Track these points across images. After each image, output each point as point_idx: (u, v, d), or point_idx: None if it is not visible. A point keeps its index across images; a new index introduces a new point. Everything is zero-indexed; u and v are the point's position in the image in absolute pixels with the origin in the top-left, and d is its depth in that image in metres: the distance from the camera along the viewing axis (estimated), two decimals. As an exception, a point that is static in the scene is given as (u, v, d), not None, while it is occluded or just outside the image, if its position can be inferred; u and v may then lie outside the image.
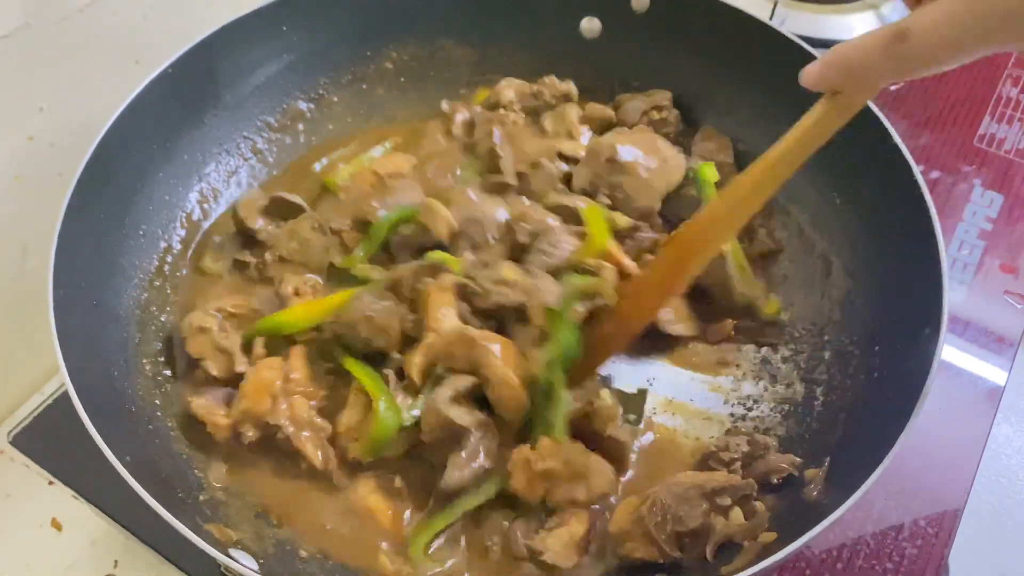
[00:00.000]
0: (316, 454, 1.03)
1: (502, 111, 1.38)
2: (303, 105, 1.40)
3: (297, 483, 1.05)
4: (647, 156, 1.28)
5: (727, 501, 0.94)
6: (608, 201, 1.26)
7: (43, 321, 0.96)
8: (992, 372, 1.25)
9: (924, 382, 0.93)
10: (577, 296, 1.07)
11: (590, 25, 1.42)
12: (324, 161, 1.38)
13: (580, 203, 1.24)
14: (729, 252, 1.19)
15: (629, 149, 1.27)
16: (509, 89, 1.39)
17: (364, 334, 1.06)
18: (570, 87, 1.40)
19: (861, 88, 0.82)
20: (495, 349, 1.01)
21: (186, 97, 1.25)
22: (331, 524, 1.02)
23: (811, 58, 1.23)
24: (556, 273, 1.13)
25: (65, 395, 0.91)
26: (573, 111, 1.40)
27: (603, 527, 1.00)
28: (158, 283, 1.20)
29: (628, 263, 1.16)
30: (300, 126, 1.41)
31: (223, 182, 1.32)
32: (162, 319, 1.18)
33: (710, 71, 1.36)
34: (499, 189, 1.28)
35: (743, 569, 0.85)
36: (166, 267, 1.22)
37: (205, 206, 1.30)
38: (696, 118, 1.40)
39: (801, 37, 1.25)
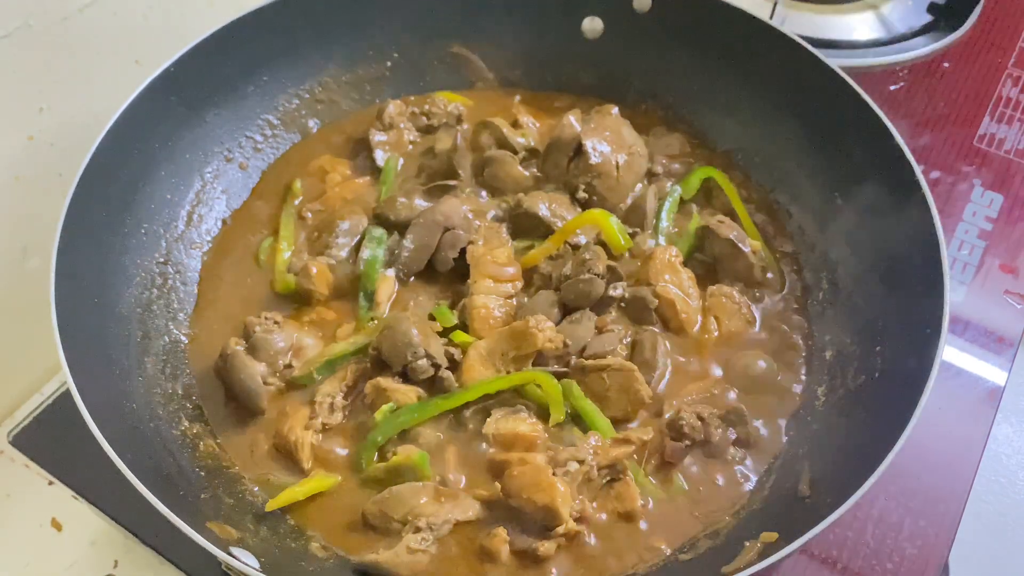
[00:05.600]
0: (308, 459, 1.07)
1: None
2: (305, 104, 1.41)
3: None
4: (615, 151, 1.28)
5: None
6: (585, 196, 1.28)
7: (43, 321, 0.96)
8: (992, 372, 1.25)
9: (925, 382, 0.93)
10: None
11: (592, 25, 1.42)
12: (324, 158, 1.39)
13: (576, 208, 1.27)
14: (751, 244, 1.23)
15: (596, 143, 1.27)
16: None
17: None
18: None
19: None
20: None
21: (187, 96, 1.25)
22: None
23: (811, 58, 1.24)
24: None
25: (65, 395, 0.91)
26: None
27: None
28: (160, 281, 1.20)
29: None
30: (301, 125, 1.41)
31: (225, 180, 1.32)
32: (164, 318, 1.18)
33: (711, 70, 1.36)
34: (443, 191, 1.29)
35: (743, 569, 0.85)
36: (168, 265, 1.22)
37: (207, 204, 1.30)
38: (697, 118, 1.40)
39: (801, 37, 1.25)
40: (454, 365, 1.11)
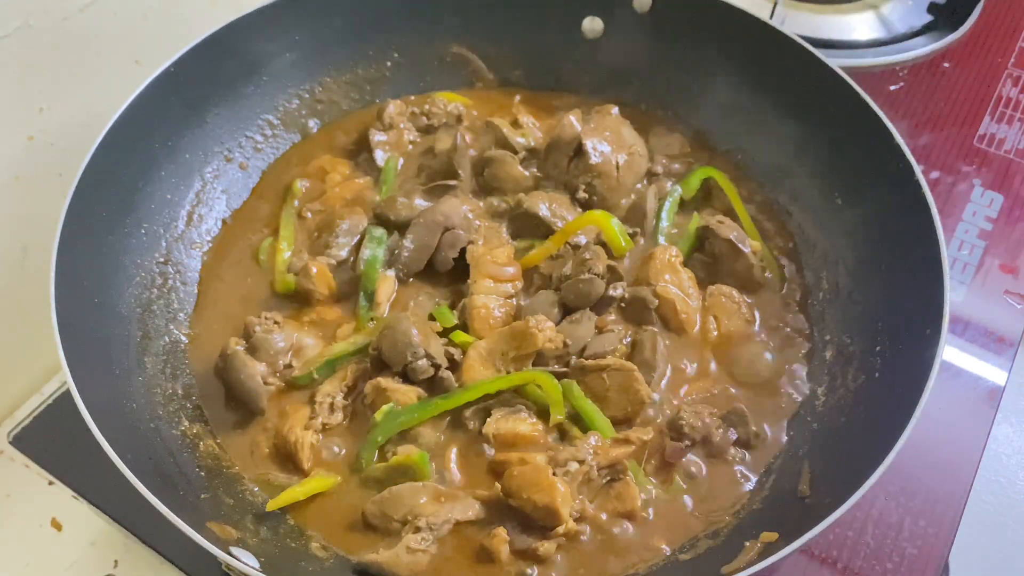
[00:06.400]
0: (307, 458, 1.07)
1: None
2: (305, 104, 1.41)
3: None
4: (615, 151, 1.28)
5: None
6: (585, 196, 1.28)
7: (43, 321, 0.96)
8: (992, 372, 1.25)
9: (925, 382, 0.93)
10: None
11: (592, 25, 1.42)
12: (324, 158, 1.39)
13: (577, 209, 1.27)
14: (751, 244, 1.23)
15: (596, 143, 1.27)
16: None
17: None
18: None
19: None
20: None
21: (188, 96, 1.25)
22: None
23: (811, 58, 1.24)
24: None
25: (65, 395, 0.91)
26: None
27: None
28: (160, 281, 1.20)
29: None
30: (301, 125, 1.41)
31: (225, 180, 1.32)
32: (164, 318, 1.18)
33: (711, 70, 1.36)
34: (443, 191, 1.29)
35: (743, 568, 0.85)
36: (168, 265, 1.22)
37: (207, 204, 1.30)
38: (697, 118, 1.40)
39: (801, 37, 1.25)
40: (454, 365, 1.11)
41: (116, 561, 1.16)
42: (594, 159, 1.27)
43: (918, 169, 1.10)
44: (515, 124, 1.39)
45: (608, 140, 1.29)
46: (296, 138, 1.41)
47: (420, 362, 1.08)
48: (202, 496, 1.01)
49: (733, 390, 1.13)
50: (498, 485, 1.01)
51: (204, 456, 1.06)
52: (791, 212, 1.30)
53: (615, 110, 1.34)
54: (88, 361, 0.98)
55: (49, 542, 1.19)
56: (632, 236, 1.25)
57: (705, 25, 1.34)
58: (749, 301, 1.21)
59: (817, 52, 1.23)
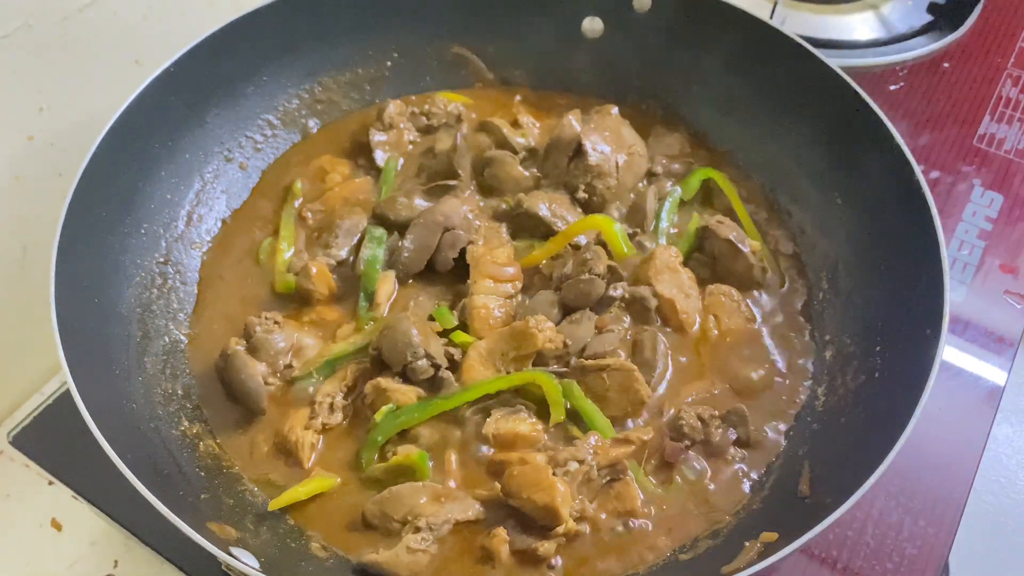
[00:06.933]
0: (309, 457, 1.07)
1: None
2: (305, 104, 1.41)
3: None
4: (615, 151, 1.28)
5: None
6: (585, 196, 1.28)
7: (43, 321, 0.96)
8: (992, 372, 1.25)
9: (925, 382, 0.93)
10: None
11: (592, 25, 1.42)
12: (324, 158, 1.39)
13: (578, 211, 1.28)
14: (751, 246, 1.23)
15: (595, 143, 1.27)
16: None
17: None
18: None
19: None
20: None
21: (188, 96, 1.25)
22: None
23: (811, 58, 1.24)
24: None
25: (65, 395, 0.91)
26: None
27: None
28: (160, 281, 1.20)
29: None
30: (301, 125, 1.41)
31: (225, 180, 1.32)
32: (164, 318, 1.18)
33: (711, 70, 1.36)
34: (443, 191, 1.29)
35: (743, 569, 0.85)
36: (168, 265, 1.22)
37: (207, 204, 1.30)
38: (697, 118, 1.40)
39: (801, 37, 1.25)
40: (454, 365, 1.11)
41: (116, 561, 1.16)
42: (594, 159, 1.27)
43: (918, 169, 1.10)
44: (515, 124, 1.39)
45: (608, 140, 1.29)
46: (296, 138, 1.41)
47: (420, 362, 1.08)
48: (202, 496, 1.01)
49: (733, 390, 1.13)
50: (498, 485, 1.01)
51: (204, 456, 1.06)
52: (791, 212, 1.30)
53: (615, 110, 1.34)
54: (88, 361, 0.98)
55: (49, 542, 1.19)
56: (632, 236, 1.25)
57: (705, 25, 1.34)
58: (749, 301, 1.21)
59: (817, 52, 1.23)
